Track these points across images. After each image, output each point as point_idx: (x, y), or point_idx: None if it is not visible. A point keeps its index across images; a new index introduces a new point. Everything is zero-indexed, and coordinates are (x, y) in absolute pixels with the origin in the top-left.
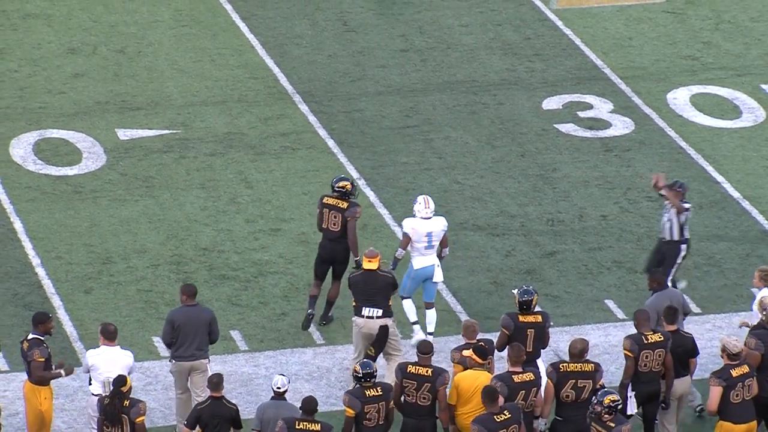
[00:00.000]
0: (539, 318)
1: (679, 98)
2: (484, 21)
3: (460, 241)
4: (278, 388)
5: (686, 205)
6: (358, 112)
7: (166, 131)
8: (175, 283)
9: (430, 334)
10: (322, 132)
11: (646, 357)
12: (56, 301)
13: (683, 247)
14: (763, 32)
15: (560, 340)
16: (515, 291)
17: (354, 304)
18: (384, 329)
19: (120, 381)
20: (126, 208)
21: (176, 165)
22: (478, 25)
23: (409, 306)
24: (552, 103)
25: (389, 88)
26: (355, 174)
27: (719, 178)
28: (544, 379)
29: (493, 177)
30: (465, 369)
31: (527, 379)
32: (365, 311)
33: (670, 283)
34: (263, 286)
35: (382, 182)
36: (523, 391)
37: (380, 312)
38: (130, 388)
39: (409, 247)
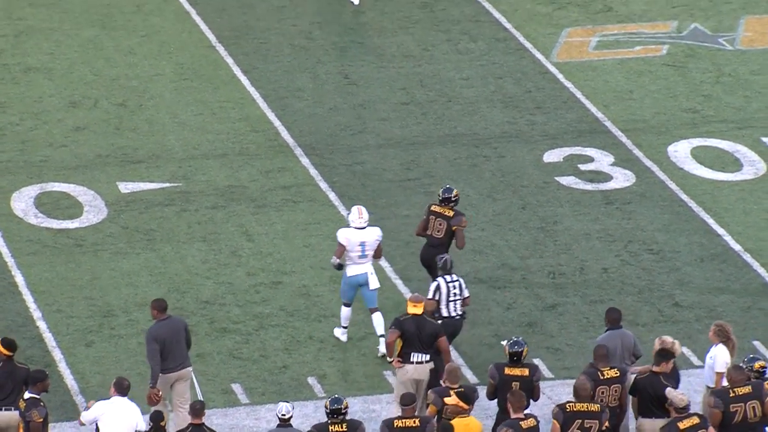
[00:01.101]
0: (526, 371)
1: (680, 151)
2: (485, 74)
3: None
4: (283, 415)
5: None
6: (359, 165)
7: (168, 184)
8: None
9: (381, 336)
10: (323, 185)
11: (602, 392)
12: (57, 355)
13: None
14: (764, 85)
15: (562, 393)
16: (504, 342)
17: (400, 349)
18: (434, 372)
19: (158, 416)
20: (127, 261)
21: (177, 218)
22: (479, 78)
23: (345, 314)
24: (553, 155)
25: (390, 141)
26: None
27: (720, 230)
28: None
29: (495, 230)
30: (438, 410)
31: (532, 425)
32: (415, 357)
33: None
34: (264, 339)
35: (384, 235)
36: None
37: (428, 357)
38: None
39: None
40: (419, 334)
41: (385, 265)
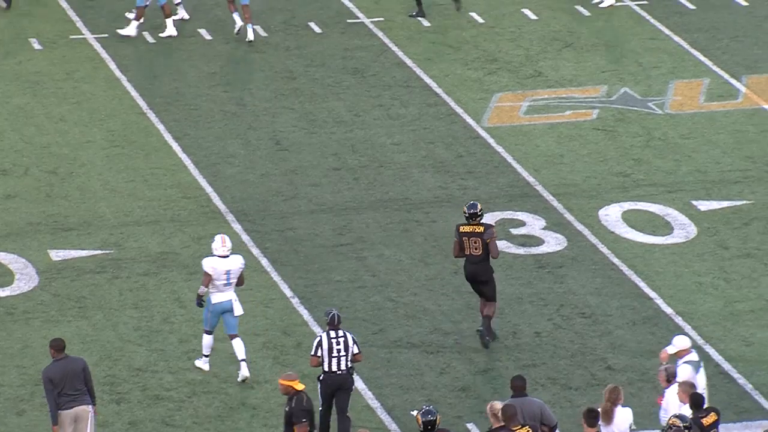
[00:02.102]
0: None
1: (611, 215)
2: (417, 139)
3: (394, 359)
4: None
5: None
6: (291, 231)
7: (99, 251)
8: (108, 404)
9: (243, 360)
10: (255, 251)
11: None
12: None
13: None
14: (693, 149)
15: None
16: (415, 413)
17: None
18: None
19: None
20: (59, 329)
21: (109, 285)
22: (411, 143)
23: (208, 342)
24: (485, 220)
25: (322, 207)
26: (288, 293)
27: (652, 294)
28: None
29: (427, 294)
30: None
31: None
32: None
33: None
34: (197, 406)
35: (316, 300)
36: None
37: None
38: None
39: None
40: (312, 408)
41: (318, 331)
